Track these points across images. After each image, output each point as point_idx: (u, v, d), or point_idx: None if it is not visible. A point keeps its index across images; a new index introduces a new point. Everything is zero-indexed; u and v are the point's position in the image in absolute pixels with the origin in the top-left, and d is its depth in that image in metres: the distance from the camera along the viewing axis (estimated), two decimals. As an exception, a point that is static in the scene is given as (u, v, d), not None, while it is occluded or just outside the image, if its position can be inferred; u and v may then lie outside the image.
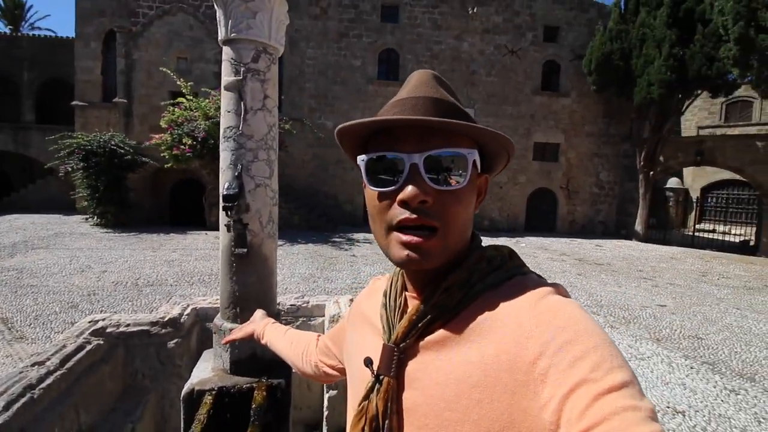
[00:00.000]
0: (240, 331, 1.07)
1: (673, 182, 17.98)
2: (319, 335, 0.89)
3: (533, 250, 10.96)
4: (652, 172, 13.51)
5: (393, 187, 0.51)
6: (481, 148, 0.55)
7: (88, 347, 1.76)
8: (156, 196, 13.49)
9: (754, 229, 13.47)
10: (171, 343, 1.98)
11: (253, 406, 1.34)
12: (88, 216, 11.61)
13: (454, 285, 0.52)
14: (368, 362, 0.55)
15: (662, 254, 11.43)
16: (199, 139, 9.90)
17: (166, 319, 2.03)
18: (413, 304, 0.55)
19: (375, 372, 0.54)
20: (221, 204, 1.30)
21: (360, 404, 0.55)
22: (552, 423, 0.40)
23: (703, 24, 10.72)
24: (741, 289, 7.60)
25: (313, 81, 13.85)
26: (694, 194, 18.16)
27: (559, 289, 0.50)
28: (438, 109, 0.51)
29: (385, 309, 0.58)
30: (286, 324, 2.35)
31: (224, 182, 1.38)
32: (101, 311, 5.14)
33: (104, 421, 1.78)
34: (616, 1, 13.14)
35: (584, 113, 14.74)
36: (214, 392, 1.41)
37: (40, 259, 7.53)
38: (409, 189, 0.48)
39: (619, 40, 12.56)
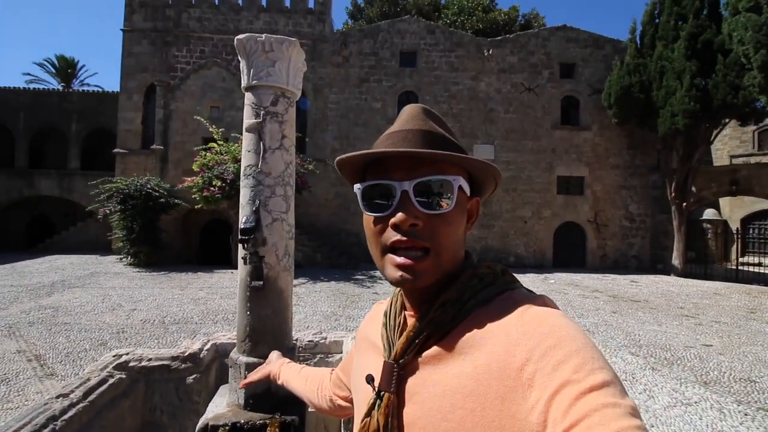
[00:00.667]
0: (257, 374, 1.09)
1: (709, 213, 17.17)
2: (332, 370, 0.90)
3: (563, 287, 10.53)
4: (684, 203, 12.99)
5: (386, 212, 0.55)
6: (470, 174, 0.59)
7: (111, 380, 1.79)
8: (186, 237, 14.02)
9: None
10: (190, 379, 2.00)
11: (266, 442, 1.32)
12: (122, 256, 12.12)
13: (448, 302, 0.55)
14: (370, 379, 0.58)
15: (704, 290, 10.72)
16: (228, 181, 10.37)
17: (187, 354, 2.06)
18: (411, 321, 0.58)
19: (376, 389, 0.56)
20: (239, 237, 1.36)
21: (363, 421, 0.57)
22: (539, 424, 0.42)
23: (723, 54, 10.65)
24: (796, 327, 6.97)
25: (336, 123, 14.45)
26: (734, 225, 17.19)
27: (546, 300, 0.53)
28: (426, 141, 0.55)
29: (386, 328, 0.61)
30: (303, 360, 2.35)
31: (242, 216, 1.45)
32: (128, 349, 5.25)
33: (122, 459, 1.78)
34: (632, 36, 13.32)
35: (607, 146, 14.58)
36: (227, 428, 1.40)
37: (75, 297, 7.85)
38: (400, 213, 0.53)
39: (638, 73, 12.60)
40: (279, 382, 1.00)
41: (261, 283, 1.46)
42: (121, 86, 14.47)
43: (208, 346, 2.18)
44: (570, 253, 14.55)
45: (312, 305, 7.70)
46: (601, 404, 0.39)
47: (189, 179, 11.18)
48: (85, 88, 23.74)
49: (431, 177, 0.54)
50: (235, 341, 2.29)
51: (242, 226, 1.33)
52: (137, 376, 1.96)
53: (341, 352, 2.40)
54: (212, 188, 10.51)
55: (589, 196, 14.57)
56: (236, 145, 11.01)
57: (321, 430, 2.29)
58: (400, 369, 0.55)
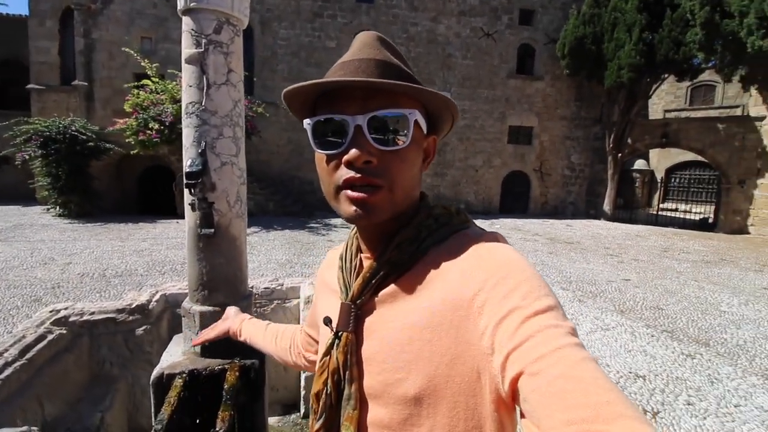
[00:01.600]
0: (213, 331, 1.05)
1: (639, 164, 18.65)
2: (301, 327, 0.89)
3: (507, 231, 11.21)
4: (620, 154, 13.97)
5: (339, 149, 0.52)
6: (426, 110, 0.56)
7: (50, 337, 1.68)
8: (122, 185, 12.94)
9: (713, 207, 14.19)
10: (139, 330, 1.93)
11: (225, 387, 1.32)
12: (49, 206, 11.03)
13: (405, 241, 0.55)
14: (327, 321, 0.59)
15: (628, 232, 11.92)
16: (167, 124, 9.51)
17: (134, 306, 1.97)
18: (368, 263, 0.59)
19: (334, 329, 0.57)
20: (184, 182, 1.25)
21: (321, 360, 0.58)
22: (488, 348, 0.45)
23: (672, 9, 10.99)
24: (699, 263, 8.04)
25: (287, 62, 13.46)
26: (659, 175, 18.94)
27: (497, 236, 0.55)
28: (381, 71, 0.52)
29: (342, 271, 0.62)
30: (260, 307, 2.33)
31: (187, 159, 1.33)
32: (68, 303, 4.95)
33: (71, 411, 1.72)
34: (589, -16, 13.26)
35: (557, 97, 14.98)
36: (184, 375, 1.38)
37: (-2, 251, 7.14)
38: (354, 150, 0.50)
39: (592, 24, 12.74)
40: (241, 338, 0.97)
41: (212, 230, 1.38)
42: (30, 9, 12.28)
43: (157, 297, 2.09)
44: (515, 200, 15.37)
45: (266, 254, 7.62)
46: (544, 326, 0.41)
47: (121, 121, 10.09)
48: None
49: (386, 111, 0.51)
50: (186, 291, 2.22)
51: (187, 170, 1.22)
52: (80, 331, 1.85)
53: (298, 297, 2.42)
54: (149, 131, 9.59)
55: (537, 146, 15.16)
56: (174, 83, 9.98)
57: (281, 371, 2.35)
58: (357, 309, 0.56)
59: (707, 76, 16.24)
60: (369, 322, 0.56)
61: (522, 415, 0.41)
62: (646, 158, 19.23)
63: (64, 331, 1.79)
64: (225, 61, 1.40)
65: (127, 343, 1.92)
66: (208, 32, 1.35)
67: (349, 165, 0.51)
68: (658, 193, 18.07)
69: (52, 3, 12.23)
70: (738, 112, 15.39)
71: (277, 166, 13.64)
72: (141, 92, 9.91)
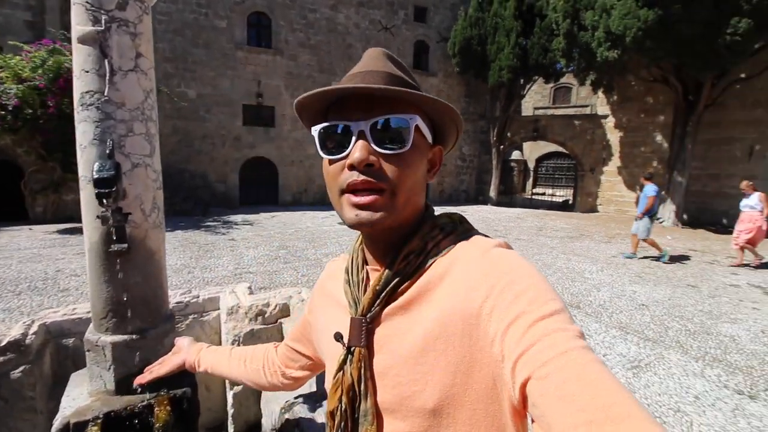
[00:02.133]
0: (164, 366, 0.96)
1: (516, 154, 21.22)
2: (275, 344, 0.84)
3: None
4: (501, 146, 15.79)
5: (343, 154, 0.54)
6: (432, 121, 0.59)
7: None
8: (-56, 182, 10.11)
9: (572, 190, 16.97)
10: (16, 373, 1.54)
11: (156, 425, 1.14)
12: None
13: (412, 253, 0.56)
14: (338, 337, 0.58)
15: (510, 215, 13.57)
16: (10, 108, 7.67)
17: (4, 342, 1.57)
18: (375, 276, 0.58)
19: (346, 345, 0.57)
20: (95, 191, 1.01)
21: (335, 376, 0.58)
22: (499, 354, 0.45)
23: (541, 18, 12.61)
24: (565, 239, 9.56)
25: (168, 41, 11.92)
26: (531, 164, 21.89)
27: (501, 243, 0.56)
28: (385, 82, 0.54)
29: (349, 285, 0.61)
30: (175, 323, 2.06)
31: (93, 162, 1.08)
32: None
33: None
34: (474, -11, 14.46)
35: (449, 93, 16.13)
36: (99, 420, 1.15)
37: None
38: (356, 153, 0.52)
39: (477, 26, 13.94)
40: (200, 369, 0.89)
41: (125, 245, 1.16)
42: None
43: (34, 329, 1.69)
44: (417, 190, 16.26)
45: (158, 258, 6.75)
46: (550, 330, 0.42)
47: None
48: None
49: (387, 116, 0.53)
50: (74, 317, 1.85)
51: (97, 176, 0.99)
52: None
53: (218, 309, 2.20)
54: (-17, 116, 7.64)
55: (434, 139, 16.18)
56: (18, 58, 8.08)
57: (203, 392, 2.12)
58: (368, 323, 0.56)
59: (565, 79, 19.14)
60: (380, 335, 0.56)
61: (532, 420, 0.42)
62: (521, 149, 22.00)
63: None
64: (132, 43, 1.17)
65: (-2, 391, 1.52)
66: (109, 7, 1.11)
67: (352, 168, 0.52)
68: (530, 179, 20.85)
69: None
70: (588, 110, 18.51)
71: (162, 157, 12.06)
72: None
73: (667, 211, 11.38)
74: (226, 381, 2.08)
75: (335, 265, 0.71)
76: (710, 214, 11.82)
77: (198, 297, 2.17)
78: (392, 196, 0.53)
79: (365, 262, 0.62)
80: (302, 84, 13.60)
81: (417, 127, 0.54)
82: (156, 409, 1.21)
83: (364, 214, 0.52)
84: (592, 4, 9.76)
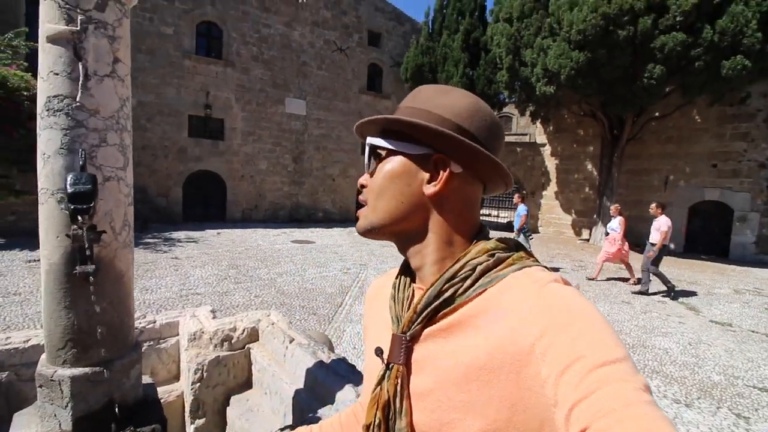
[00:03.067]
0: None
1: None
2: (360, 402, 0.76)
3: (360, 238, 11.77)
4: (452, 169, 16.45)
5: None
6: (432, 145, 0.61)
7: None
8: None
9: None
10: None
11: (125, 472, 1.01)
12: None
13: (456, 276, 0.55)
14: (379, 352, 0.59)
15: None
16: None
17: None
18: (419, 294, 0.59)
19: (385, 361, 0.58)
20: (71, 207, 0.90)
21: (373, 391, 0.58)
22: (552, 397, 0.43)
23: (486, 52, 13.53)
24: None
25: (107, 45, 11.13)
26: (478, 187, 22.96)
27: (558, 278, 0.54)
28: (403, 114, 0.61)
29: (394, 300, 0.62)
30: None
31: (57, 174, 0.96)
32: None
33: None
34: (426, 20, 15.21)
35: (402, 115, 16.59)
36: (49, 471, 0.99)
37: None
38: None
39: (428, 54, 14.61)
40: None
41: (92, 267, 1.04)
42: None
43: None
44: (370, 208, 16.36)
45: (88, 279, 6.09)
46: (613, 379, 0.39)
47: None
48: None
49: (370, 138, 0.62)
50: (8, 347, 1.61)
51: (73, 189, 0.88)
52: None
53: (177, 335, 2.03)
54: None
55: (387, 159, 16.48)
56: None
57: None
58: (408, 341, 0.56)
59: (507, 108, 20.58)
60: (420, 355, 0.56)
61: None
62: (469, 172, 23.13)
63: None
64: (110, 48, 1.07)
65: None
66: (86, 7, 1.02)
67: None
68: (477, 201, 21.84)
69: None
70: (527, 138, 19.96)
71: (94, 168, 11.09)
72: None
73: (598, 233, 12.45)
74: (186, 414, 1.90)
75: (380, 282, 0.73)
76: (634, 236, 13.13)
77: (155, 322, 1.98)
78: (370, 209, 0.61)
79: (413, 280, 0.63)
80: (254, 97, 13.30)
81: (385, 147, 0.61)
82: (121, 452, 1.07)
83: (357, 225, 0.63)
84: (530, 43, 10.69)
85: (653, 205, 6.84)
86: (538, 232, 15.82)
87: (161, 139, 11.98)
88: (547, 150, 15.60)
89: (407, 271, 0.65)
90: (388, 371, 0.57)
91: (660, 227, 6.55)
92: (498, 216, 20.04)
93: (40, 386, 1.08)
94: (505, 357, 0.47)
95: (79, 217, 0.90)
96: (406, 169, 0.59)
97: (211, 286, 5.99)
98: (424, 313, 0.55)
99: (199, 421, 1.83)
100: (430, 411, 0.52)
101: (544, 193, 15.76)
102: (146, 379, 1.41)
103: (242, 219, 13.45)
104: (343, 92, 15.06)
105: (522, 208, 8.08)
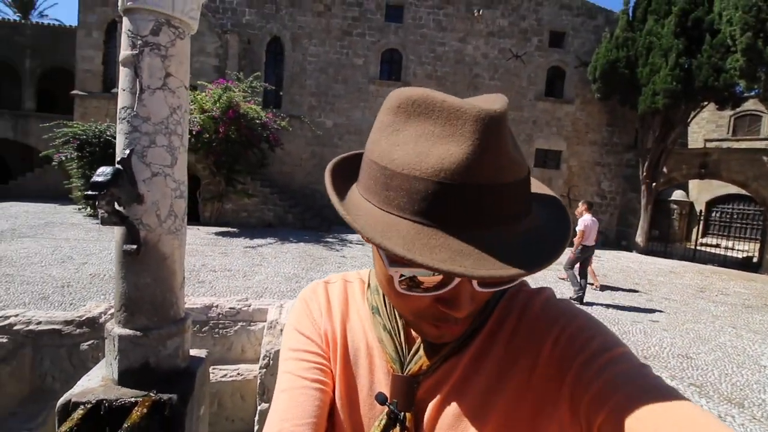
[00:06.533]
0: None
1: (678, 194, 17.62)
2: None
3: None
4: (654, 183, 13.22)
5: None
6: None
7: (-16, 346, 1.60)
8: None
9: (758, 245, 13.08)
10: (85, 345, 1.82)
11: (125, 425, 1.17)
12: (80, 206, 11.54)
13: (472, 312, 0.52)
14: (383, 399, 0.51)
15: (661, 268, 11.12)
16: (194, 133, 9.81)
17: (84, 318, 1.87)
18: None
19: (393, 408, 0.51)
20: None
21: None
22: (567, 400, 0.44)
23: (711, 34, 10.44)
24: (739, 307, 7.32)
25: (315, 79, 13.74)
26: (699, 207, 17.76)
27: (550, 291, 0.55)
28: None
29: (389, 333, 0.54)
30: (222, 329, 2.19)
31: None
32: (71, 304, 5.01)
33: None
34: (625, 8, 12.89)
35: (588, 121, 14.48)
36: (90, 405, 1.24)
37: (23, 248, 7.44)
38: None
39: (626, 47, 12.31)
40: None
41: (134, 247, 1.26)
42: (79, 20, 13.21)
43: (112, 311, 1.99)
44: (541, 226, 14.81)
45: (275, 266, 7.56)
46: (625, 368, 0.42)
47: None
48: (44, 20, 21.65)
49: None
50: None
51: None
52: (23, 341, 1.77)
53: (264, 321, 2.26)
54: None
55: (565, 171, 14.63)
56: (203, 94, 10.35)
57: (237, 401, 2.18)
58: (417, 384, 0.52)
59: (752, 105, 15.30)
60: (427, 392, 0.51)
61: None
62: (686, 189, 18.16)
63: (5, 340, 1.71)
64: (162, 65, 1.30)
65: (70, 358, 1.82)
66: (144, 33, 1.26)
67: None
68: (697, 227, 16.95)
69: (98, 15, 13.10)
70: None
71: (299, 178, 13.80)
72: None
73: None
74: (256, 395, 2.09)
75: (334, 288, 0.62)
76: None
77: (249, 306, 2.27)
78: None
79: None
80: (426, 114, 13.98)
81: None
82: (135, 408, 1.24)
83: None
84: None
85: (580, 203, 6.70)
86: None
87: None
88: (821, 159, 10.83)
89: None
90: (398, 422, 0.50)
91: (578, 226, 6.46)
92: (730, 248, 14.98)
93: (105, 339, 1.37)
94: (517, 375, 0.48)
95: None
96: None
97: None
98: (442, 353, 0.51)
99: (264, 405, 1.98)
100: None
101: (812, 220, 10.96)
102: (200, 353, 1.62)
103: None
104: (516, 101, 14.23)
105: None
